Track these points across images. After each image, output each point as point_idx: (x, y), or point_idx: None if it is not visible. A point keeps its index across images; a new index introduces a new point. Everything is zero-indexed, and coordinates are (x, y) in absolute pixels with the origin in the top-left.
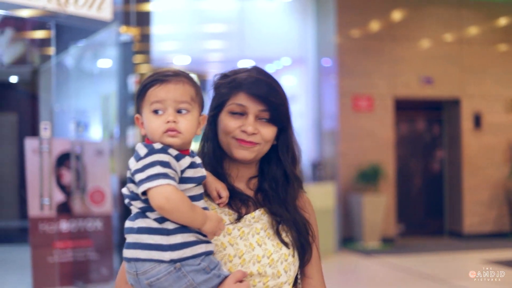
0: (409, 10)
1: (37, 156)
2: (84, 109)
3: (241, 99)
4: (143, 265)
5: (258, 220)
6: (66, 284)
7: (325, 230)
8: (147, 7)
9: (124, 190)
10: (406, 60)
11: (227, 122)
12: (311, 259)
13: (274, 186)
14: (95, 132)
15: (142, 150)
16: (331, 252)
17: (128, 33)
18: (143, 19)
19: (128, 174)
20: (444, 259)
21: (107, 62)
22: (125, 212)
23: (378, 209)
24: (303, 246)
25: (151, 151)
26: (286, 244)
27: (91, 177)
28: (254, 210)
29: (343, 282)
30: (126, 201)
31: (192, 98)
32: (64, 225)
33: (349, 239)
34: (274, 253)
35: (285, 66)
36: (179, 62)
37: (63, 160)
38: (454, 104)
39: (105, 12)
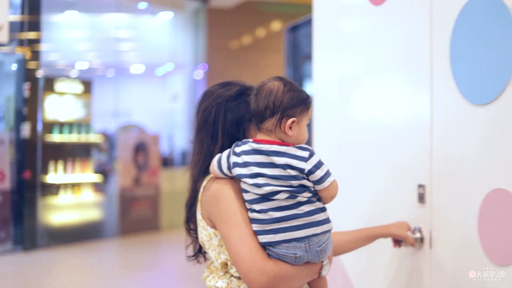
0: (271, 25)
1: None
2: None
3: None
4: (316, 238)
5: None
6: None
7: None
8: (41, 18)
9: (269, 189)
10: (270, 67)
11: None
12: None
13: None
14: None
15: (303, 152)
16: None
17: (21, 52)
18: (36, 30)
19: (293, 173)
20: None
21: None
22: (17, 189)
23: None
24: None
25: (312, 152)
26: None
27: None
28: None
29: None
30: (284, 196)
31: None
32: None
33: None
34: None
35: (169, 71)
36: (78, 66)
37: None
38: None
39: (2, 37)
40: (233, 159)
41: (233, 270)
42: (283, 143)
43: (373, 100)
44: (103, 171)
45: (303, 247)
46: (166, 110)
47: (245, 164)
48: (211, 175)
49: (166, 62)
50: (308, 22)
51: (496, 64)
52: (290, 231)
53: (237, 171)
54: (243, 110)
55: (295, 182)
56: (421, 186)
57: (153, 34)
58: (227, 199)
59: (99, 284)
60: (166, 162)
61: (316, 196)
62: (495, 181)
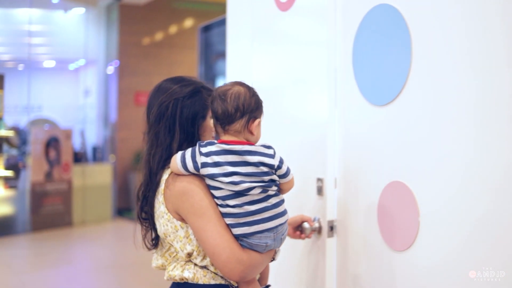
0: (184, 22)
1: None
2: None
3: None
4: (281, 227)
5: None
6: None
7: (104, 201)
8: None
9: (246, 185)
10: (182, 64)
11: None
12: None
13: None
14: None
15: (270, 150)
16: (108, 219)
17: None
18: None
19: (265, 169)
20: None
21: None
22: None
23: None
24: None
25: (275, 150)
26: None
27: None
28: None
29: (116, 241)
30: (258, 191)
31: None
32: None
33: (126, 209)
34: None
35: (81, 65)
36: None
37: None
38: None
39: None
40: (202, 159)
41: (198, 260)
42: (249, 142)
43: (282, 99)
44: (14, 166)
45: (272, 237)
46: (78, 105)
47: (217, 164)
48: (169, 170)
49: (78, 57)
50: (221, 22)
51: (394, 69)
52: (263, 222)
53: (209, 170)
54: (198, 108)
55: (266, 178)
56: (319, 179)
57: (65, 29)
58: (199, 195)
59: (11, 280)
60: (78, 157)
61: (278, 189)
62: (392, 175)
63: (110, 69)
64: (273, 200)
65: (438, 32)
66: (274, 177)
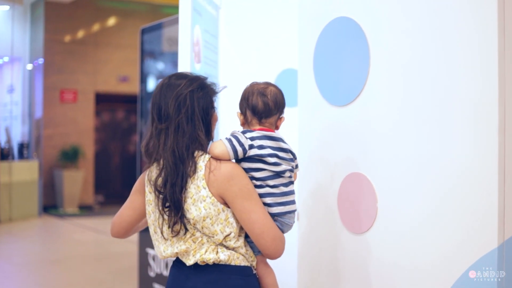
0: (108, 20)
1: None
2: None
3: None
4: (296, 212)
5: None
6: None
7: (30, 198)
8: None
9: (284, 167)
10: (106, 61)
11: None
12: None
13: None
14: None
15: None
16: (34, 216)
17: None
18: None
19: (290, 156)
20: None
21: None
22: None
23: (76, 182)
24: None
25: None
26: None
27: None
28: None
29: (43, 237)
30: (288, 174)
31: None
32: None
33: (52, 206)
34: None
35: (5, 62)
36: None
37: None
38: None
39: None
40: (248, 142)
41: (232, 242)
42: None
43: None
44: None
45: (293, 218)
46: (2, 102)
47: (261, 147)
48: (205, 156)
49: (3, 54)
50: (155, 26)
51: (353, 73)
52: (291, 204)
53: (256, 151)
54: (208, 99)
55: (291, 164)
56: None
57: None
58: (246, 179)
59: None
60: (4, 154)
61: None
62: (352, 166)
63: (35, 67)
64: (291, 187)
65: (394, 40)
66: (294, 165)
